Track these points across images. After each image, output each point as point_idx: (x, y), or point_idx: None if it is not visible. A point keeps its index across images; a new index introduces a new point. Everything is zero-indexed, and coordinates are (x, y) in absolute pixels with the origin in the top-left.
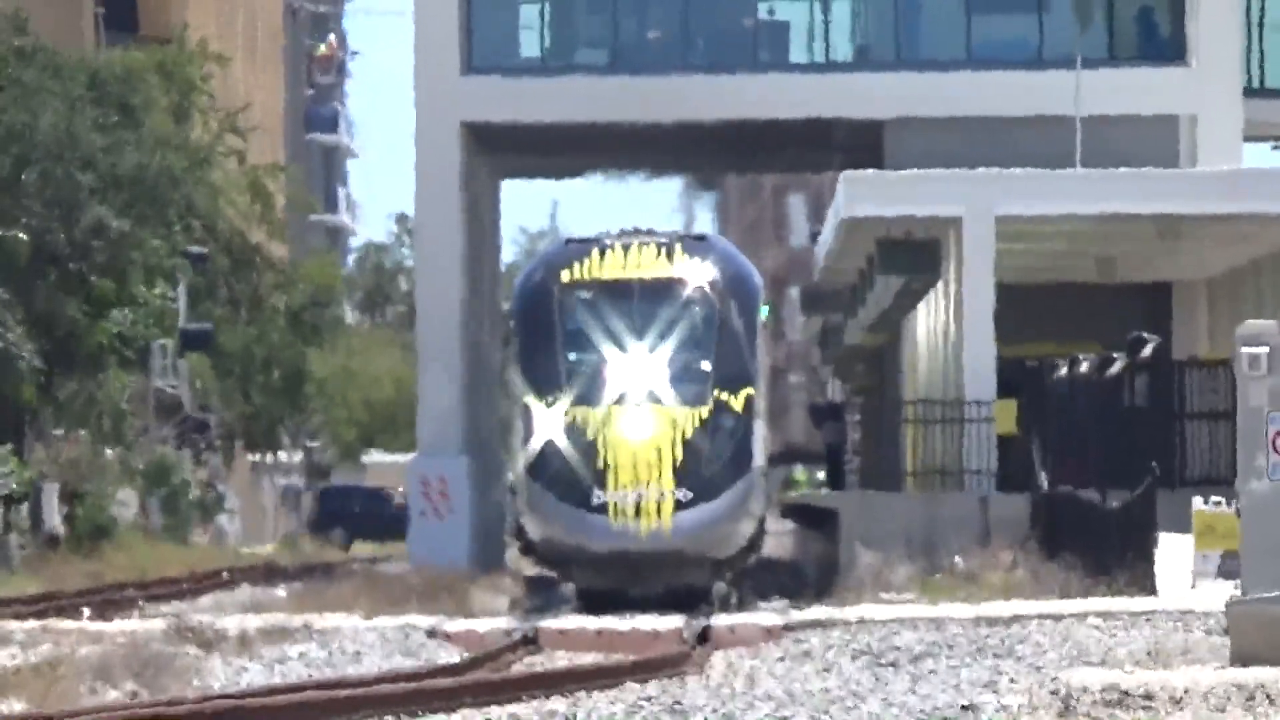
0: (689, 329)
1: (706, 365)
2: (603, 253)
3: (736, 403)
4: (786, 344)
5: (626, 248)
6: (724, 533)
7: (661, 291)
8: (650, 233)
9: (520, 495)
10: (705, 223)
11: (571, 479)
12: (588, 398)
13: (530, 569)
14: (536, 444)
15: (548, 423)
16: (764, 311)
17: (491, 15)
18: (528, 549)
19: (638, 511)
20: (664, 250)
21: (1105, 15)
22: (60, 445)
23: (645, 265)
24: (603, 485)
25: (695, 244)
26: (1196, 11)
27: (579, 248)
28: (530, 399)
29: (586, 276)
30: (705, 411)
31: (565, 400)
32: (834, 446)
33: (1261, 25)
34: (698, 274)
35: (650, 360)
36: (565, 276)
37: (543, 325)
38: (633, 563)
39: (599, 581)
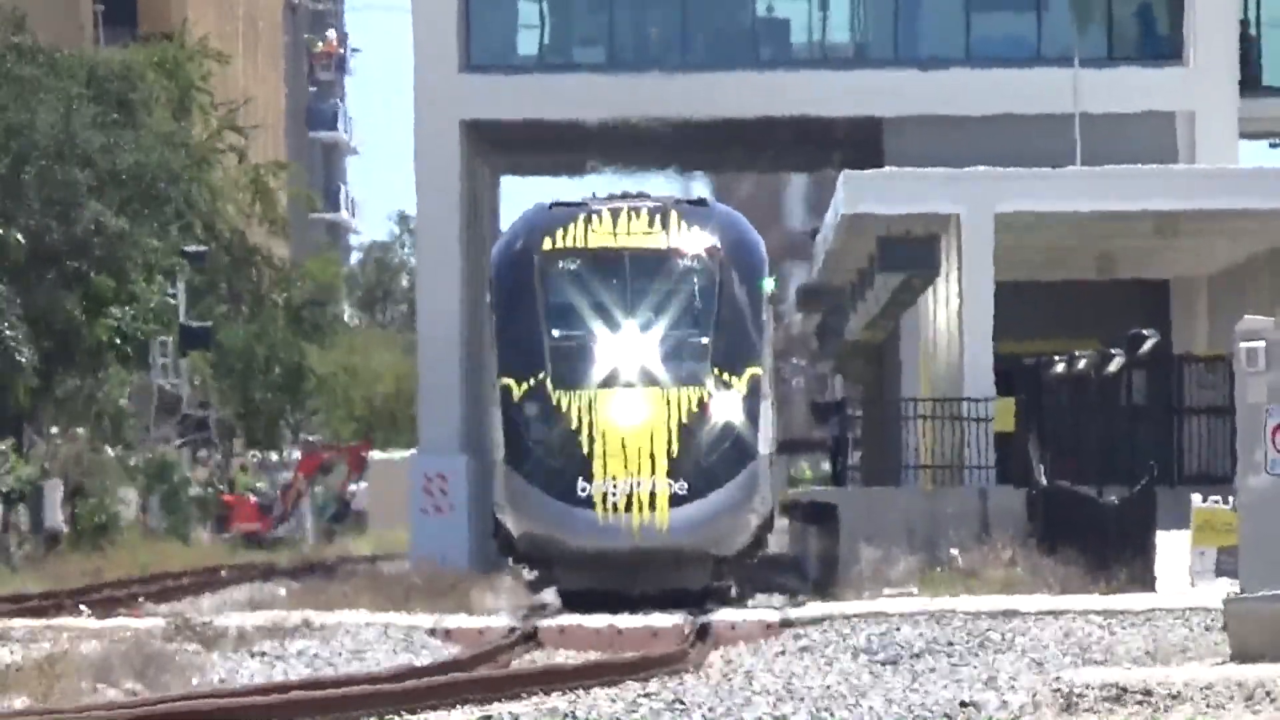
0: (686, 302)
1: (705, 342)
2: (590, 218)
3: (739, 384)
4: (784, 327)
5: (616, 213)
6: (726, 528)
7: (655, 261)
8: (643, 197)
9: (498, 487)
10: None
11: (554, 469)
12: (573, 378)
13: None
14: (516, 430)
15: (528, 406)
16: (770, 284)
17: (490, 12)
18: (507, 546)
19: (629, 505)
20: (658, 216)
21: (1103, 14)
22: (58, 442)
23: (638, 232)
24: (589, 476)
25: (693, 209)
26: (1194, 10)
27: (564, 212)
28: (509, 380)
29: (572, 244)
30: (704, 393)
31: (548, 381)
32: (839, 442)
33: (1259, 23)
34: (696, 241)
35: (643, 337)
36: (548, 244)
37: (523, 298)
38: (623, 562)
39: (585, 582)
